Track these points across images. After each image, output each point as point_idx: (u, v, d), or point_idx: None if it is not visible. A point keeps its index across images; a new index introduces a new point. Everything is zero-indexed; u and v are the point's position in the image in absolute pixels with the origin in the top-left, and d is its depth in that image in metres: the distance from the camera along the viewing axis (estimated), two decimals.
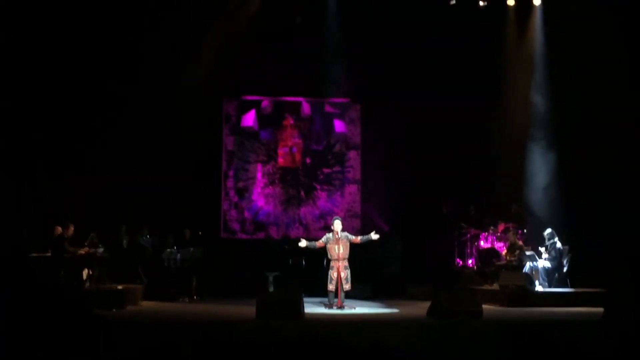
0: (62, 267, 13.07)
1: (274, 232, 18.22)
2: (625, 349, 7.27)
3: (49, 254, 13.30)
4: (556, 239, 14.60)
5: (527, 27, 17.43)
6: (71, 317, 7.73)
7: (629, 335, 8.30)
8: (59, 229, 13.57)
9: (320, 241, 13.32)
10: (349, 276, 13.03)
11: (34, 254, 13.38)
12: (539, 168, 16.89)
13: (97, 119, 16.97)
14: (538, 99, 17.18)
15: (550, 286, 14.39)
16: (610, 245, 15.15)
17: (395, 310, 13.07)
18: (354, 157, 18.66)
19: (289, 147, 18.46)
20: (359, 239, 13.34)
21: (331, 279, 13.02)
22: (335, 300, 12.97)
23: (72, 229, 13.64)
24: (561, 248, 14.58)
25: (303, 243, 13.40)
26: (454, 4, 17.03)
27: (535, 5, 17.25)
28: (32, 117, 16.11)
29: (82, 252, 13.41)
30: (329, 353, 6.39)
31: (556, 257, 14.53)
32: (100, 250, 13.89)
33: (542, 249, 14.65)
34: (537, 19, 17.24)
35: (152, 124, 16.63)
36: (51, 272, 12.97)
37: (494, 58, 17.20)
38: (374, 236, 13.24)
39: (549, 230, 14.76)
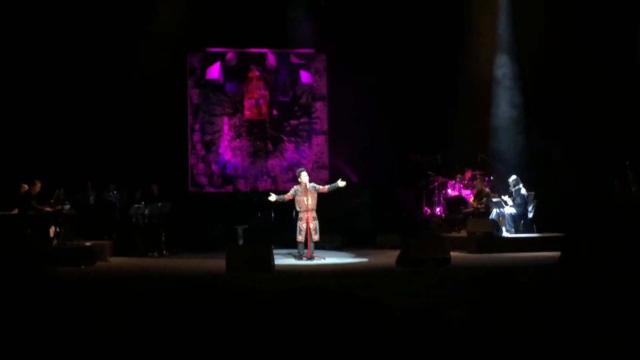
0: (28, 225, 12.94)
1: (242, 185, 18.20)
2: (578, 292, 7.43)
3: (15, 212, 13.14)
4: (521, 185, 14.76)
5: None
6: (19, 277, 7.66)
7: (583, 279, 8.48)
8: (25, 187, 13.39)
9: (289, 194, 13.34)
10: (317, 227, 13.10)
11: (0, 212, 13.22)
12: (505, 115, 16.99)
13: (63, 73, 16.72)
14: (504, 49, 17.18)
15: (516, 232, 14.60)
16: (574, 190, 15.38)
17: (364, 260, 13.18)
18: (320, 108, 18.61)
19: (255, 99, 18.34)
20: (326, 188, 13.38)
21: (300, 230, 13.08)
22: (305, 251, 13.06)
23: (38, 186, 13.47)
24: (526, 194, 14.75)
25: (272, 197, 13.40)
26: None
27: None
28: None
29: (48, 209, 13.27)
30: (301, 304, 6.42)
31: (522, 204, 14.71)
32: (67, 207, 13.76)
33: (507, 197, 14.80)
34: None
35: (118, 78, 16.43)
36: (17, 229, 12.83)
37: (460, 6, 17.12)
38: (341, 183, 13.27)
39: (513, 177, 14.91)
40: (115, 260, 13.69)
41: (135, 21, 16.86)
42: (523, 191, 14.72)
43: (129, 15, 16.78)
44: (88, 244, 13.32)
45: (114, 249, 14.33)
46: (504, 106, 16.96)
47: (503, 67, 17.10)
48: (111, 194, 15.80)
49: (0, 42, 15.78)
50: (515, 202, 14.70)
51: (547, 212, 14.97)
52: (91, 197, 15.57)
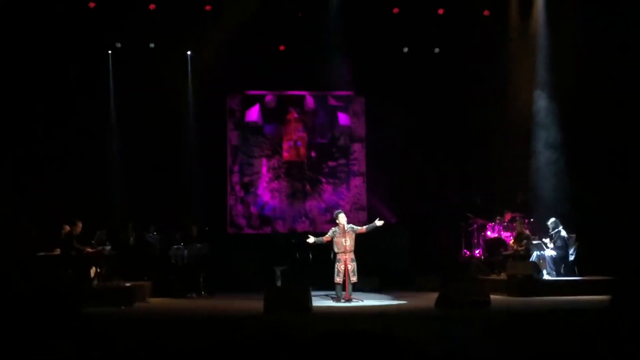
0: (70, 266, 13.10)
1: (280, 227, 18.24)
2: (631, 337, 7.26)
3: (57, 253, 13.33)
4: (560, 227, 14.56)
5: (531, 19, 17.34)
6: (57, 315, 7.75)
7: (636, 324, 8.28)
8: (67, 227, 13.60)
9: (327, 236, 13.31)
10: (355, 268, 13.03)
11: (42, 253, 13.41)
12: (545, 156, 16.82)
13: (104, 116, 17.11)
14: (542, 88, 17.10)
15: (558, 275, 14.37)
16: (617, 233, 15.12)
17: (403, 302, 13.07)
18: (358, 150, 18.65)
19: (294, 140, 18.45)
20: (364, 228, 13.34)
21: (338, 271, 13.02)
22: (343, 293, 12.98)
23: (80, 226, 13.68)
24: (566, 236, 14.54)
25: (311, 239, 13.40)
26: None
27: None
28: (36, 114, 16.14)
29: (89, 250, 13.45)
30: (339, 346, 6.39)
31: (562, 246, 14.49)
32: (108, 247, 13.94)
33: (547, 240, 14.60)
34: (539, 9, 17.14)
35: (158, 120, 16.72)
36: (59, 270, 12.99)
37: (497, 48, 17.14)
38: (378, 223, 13.21)
39: (552, 220, 14.71)
40: (154, 301, 13.76)
41: (178, 62, 17.26)
42: (563, 233, 14.52)
43: (173, 57, 17.19)
44: (128, 284, 13.44)
45: (153, 290, 14.42)
46: (544, 147, 16.80)
47: (542, 108, 16.98)
48: (151, 235, 15.95)
49: (46, 85, 16.14)
50: (556, 244, 14.49)
51: (589, 255, 14.72)
52: (131, 238, 15.74)
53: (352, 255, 13.06)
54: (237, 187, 18.30)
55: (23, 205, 15.21)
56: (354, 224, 13.62)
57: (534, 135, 16.99)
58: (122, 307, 12.23)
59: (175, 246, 15.41)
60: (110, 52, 17.41)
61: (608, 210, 15.54)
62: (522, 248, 14.71)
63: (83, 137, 16.47)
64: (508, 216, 16.28)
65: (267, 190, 18.34)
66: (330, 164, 18.56)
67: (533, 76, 17.04)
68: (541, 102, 16.94)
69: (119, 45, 17.24)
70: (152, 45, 17.23)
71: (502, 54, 17.11)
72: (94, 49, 16.75)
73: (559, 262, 14.50)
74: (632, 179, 15.66)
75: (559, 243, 14.47)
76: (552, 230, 14.61)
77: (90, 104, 16.67)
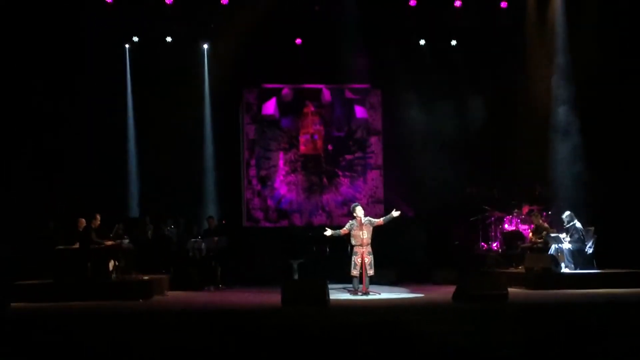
0: (89, 259, 13.19)
1: (297, 220, 18.27)
2: None
3: (77, 246, 13.43)
4: (575, 220, 14.46)
5: (548, 10, 17.24)
6: None
7: None
8: (83, 221, 13.70)
9: (345, 228, 13.29)
10: (372, 262, 13.00)
11: (61, 247, 13.52)
12: (563, 149, 16.72)
13: (121, 110, 17.23)
14: (560, 80, 17.00)
15: (576, 268, 14.29)
16: (637, 226, 15.04)
17: (420, 295, 13.06)
18: (375, 143, 18.64)
19: (310, 134, 18.46)
20: (381, 220, 13.30)
21: (355, 264, 13.01)
22: (360, 286, 12.97)
23: (99, 220, 13.76)
24: (582, 229, 14.43)
25: (328, 232, 13.38)
26: None
27: None
28: (55, 108, 16.24)
29: (108, 243, 13.53)
30: (354, 340, 6.41)
31: (579, 239, 14.39)
32: (126, 241, 14.02)
33: (563, 234, 14.50)
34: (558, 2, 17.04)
35: (175, 114, 16.79)
36: (78, 263, 13.09)
37: (514, 40, 17.07)
38: (395, 213, 13.14)
39: (567, 213, 14.60)
40: (172, 294, 13.84)
41: (195, 57, 17.34)
42: (578, 225, 14.39)
43: (189, 52, 17.27)
44: (146, 277, 13.51)
45: (171, 283, 14.49)
46: (562, 140, 16.71)
47: (560, 100, 16.88)
48: (169, 228, 16.03)
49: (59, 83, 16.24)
50: (572, 237, 14.40)
51: (608, 248, 14.63)
52: (149, 232, 15.83)
53: (370, 249, 13.04)
54: (254, 181, 18.34)
55: (42, 199, 15.33)
56: (371, 217, 13.59)
57: (552, 128, 16.90)
58: (141, 300, 12.29)
59: (193, 239, 15.48)
60: (127, 46, 17.50)
61: (627, 202, 15.45)
62: (541, 241, 14.64)
63: (101, 131, 16.56)
64: (525, 209, 16.20)
65: (284, 184, 18.36)
66: (347, 157, 18.56)
67: (551, 69, 16.94)
68: (560, 93, 16.84)
69: (136, 39, 17.34)
70: (169, 39, 17.32)
71: (519, 45, 17.03)
72: (111, 43, 16.84)
73: (577, 255, 14.42)
74: None
75: (575, 236, 14.38)
76: (568, 224, 14.52)
77: (107, 98, 16.78)
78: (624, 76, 15.66)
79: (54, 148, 16.20)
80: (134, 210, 17.19)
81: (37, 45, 15.74)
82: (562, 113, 16.81)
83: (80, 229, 13.64)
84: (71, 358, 6.80)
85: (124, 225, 14.45)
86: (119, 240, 13.77)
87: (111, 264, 13.30)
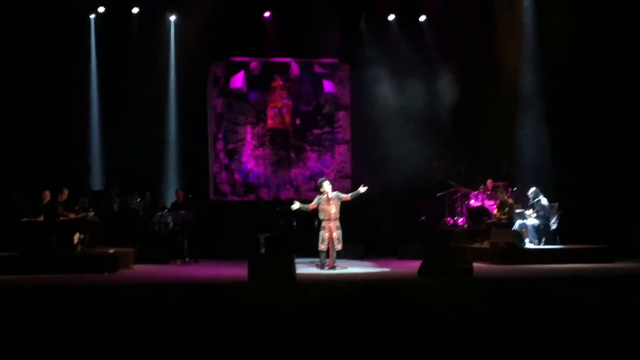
0: (53, 232, 13.06)
1: (264, 194, 18.25)
2: None
3: (41, 219, 13.28)
4: (541, 196, 14.64)
5: None
6: None
7: None
8: (48, 194, 13.54)
9: (313, 203, 13.30)
10: (340, 236, 13.05)
11: (25, 219, 13.36)
12: (529, 126, 16.90)
13: (85, 82, 17.00)
14: (529, 56, 17.14)
15: (540, 243, 14.50)
16: (601, 202, 15.29)
17: (386, 270, 13.15)
18: (343, 118, 18.64)
19: (278, 108, 18.39)
20: (349, 196, 13.34)
21: (323, 239, 13.05)
22: (327, 260, 13.03)
23: (66, 194, 13.61)
24: (547, 205, 14.62)
25: (296, 205, 13.38)
26: None
27: None
28: (18, 80, 15.98)
29: (73, 216, 13.40)
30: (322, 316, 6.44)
31: (543, 215, 14.59)
32: (91, 214, 13.89)
33: (528, 211, 14.67)
34: None
35: (141, 87, 16.63)
36: (43, 236, 12.96)
37: (485, 17, 17.15)
38: (362, 189, 13.19)
39: (532, 189, 14.78)
40: (139, 268, 13.77)
41: (162, 29, 17.15)
42: (544, 202, 14.59)
43: (157, 23, 17.07)
44: (111, 251, 13.42)
45: (137, 257, 14.41)
46: (529, 117, 16.87)
47: (528, 80, 17.03)
48: (135, 201, 15.92)
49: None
50: (538, 213, 14.59)
51: (571, 225, 14.86)
52: (115, 205, 15.70)
53: (338, 223, 13.09)
54: (222, 155, 18.25)
55: (5, 171, 15.13)
56: (339, 192, 13.62)
57: (519, 105, 17.06)
58: (106, 274, 12.22)
59: (159, 213, 15.39)
60: (92, 16, 17.24)
61: (591, 179, 15.69)
62: (505, 216, 14.80)
63: (65, 103, 16.34)
64: (491, 185, 16.35)
65: (252, 158, 18.30)
66: (315, 131, 18.54)
67: (521, 47, 17.07)
68: (528, 74, 16.99)
69: (102, 9, 17.08)
70: (135, 10, 17.08)
71: (489, 22, 17.12)
72: (75, 13, 16.57)
73: (541, 230, 14.62)
74: (614, 150, 15.81)
75: (540, 212, 14.57)
76: (533, 200, 14.70)
77: (72, 70, 16.54)
78: (593, 53, 15.83)
79: (17, 119, 15.95)
80: (99, 183, 17.04)
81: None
82: (529, 89, 16.98)
83: (45, 202, 13.49)
84: (33, 331, 6.75)
85: (89, 198, 14.30)
86: (84, 213, 13.63)
87: (76, 237, 13.17)
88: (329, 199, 13.11)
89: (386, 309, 7.12)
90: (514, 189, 16.18)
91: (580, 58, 15.90)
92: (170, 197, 16.50)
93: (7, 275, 11.77)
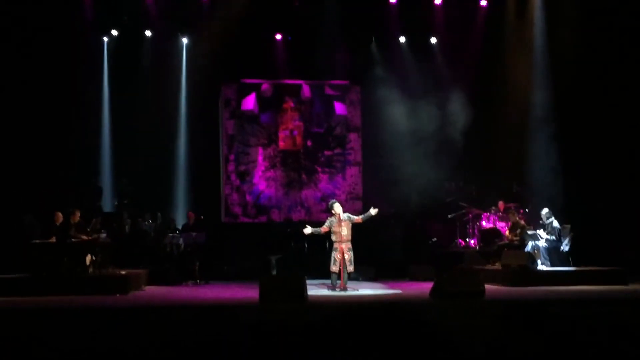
0: (65, 253, 13.09)
1: (275, 216, 18.25)
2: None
3: (53, 240, 13.32)
4: (553, 218, 14.58)
5: (527, 6, 17.38)
6: None
7: None
8: (60, 215, 13.59)
9: (324, 226, 13.22)
10: (352, 258, 13.00)
11: (37, 241, 13.40)
12: (540, 147, 16.87)
13: (98, 104, 17.13)
14: (539, 79, 17.14)
15: (552, 265, 14.41)
16: (614, 224, 15.20)
17: (397, 292, 13.10)
18: (354, 139, 18.67)
19: (290, 130, 18.45)
20: (360, 218, 13.29)
21: (335, 260, 12.99)
22: (338, 282, 12.98)
23: (78, 215, 13.65)
24: (559, 227, 14.55)
25: (308, 230, 13.30)
26: None
27: None
28: (32, 103, 16.07)
29: (85, 237, 13.43)
30: (334, 335, 6.40)
31: (555, 236, 14.52)
32: (103, 235, 13.93)
33: (541, 230, 14.61)
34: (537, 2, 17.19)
35: (152, 109, 16.73)
36: (55, 257, 12.99)
37: (495, 39, 17.19)
38: (373, 211, 13.15)
39: (545, 210, 14.72)
40: (150, 289, 13.77)
41: (174, 51, 17.28)
42: (555, 224, 14.53)
43: (169, 46, 17.22)
44: (123, 272, 13.43)
45: (148, 278, 14.42)
46: (539, 138, 16.84)
47: (540, 97, 17.02)
48: (146, 223, 15.95)
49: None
50: (549, 235, 14.53)
51: (584, 246, 14.77)
52: (127, 227, 15.74)
53: (350, 245, 13.03)
54: (233, 176, 18.29)
55: (18, 194, 15.20)
56: (350, 213, 13.59)
57: (530, 126, 17.04)
58: (118, 295, 12.22)
59: (170, 234, 15.42)
60: (105, 39, 17.39)
61: (603, 201, 15.61)
62: (517, 238, 14.74)
63: (77, 124, 16.43)
64: (502, 206, 16.30)
65: (263, 179, 18.34)
66: (326, 153, 18.57)
67: (531, 68, 17.09)
68: (539, 93, 16.98)
69: (115, 32, 17.23)
70: (148, 33, 17.23)
71: (499, 44, 17.16)
72: (89, 35, 16.72)
73: (553, 252, 14.54)
74: (627, 171, 15.74)
75: (552, 234, 14.50)
76: (546, 220, 14.64)
77: (84, 92, 16.64)
78: (603, 74, 15.82)
79: (29, 141, 16.03)
80: (110, 205, 17.09)
81: (13, 36, 15.61)
82: (540, 109, 16.97)
83: (57, 223, 13.54)
84: (45, 353, 6.75)
85: (101, 220, 14.35)
86: (96, 235, 13.66)
87: (88, 258, 13.20)
88: (341, 221, 13.07)
89: (398, 330, 7.08)
90: (526, 210, 16.13)
91: (591, 76, 15.90)
92: (182, 219, 16.52)
93: (18, 296, 11.79)
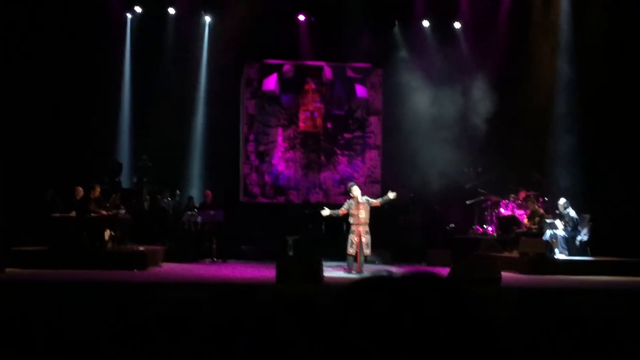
0: (84, 228, 13.22)
1: (294, 197, 18.26)
2: None
3: (73, 214, 13.44)
4: (569, 208, 14.49)
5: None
6: None
7: None
8: (80, 190, 13.71)
9: (343, 209, 13.21)
10: (369, 241, 12.99)
11: (57, 215, 13.53)
12: (561, 136, 16.73)
13: (119, 81, 17.18)
14: (563, 67, 16.96)
15: (570, 254, 14.34)
16: (634, 215, 15.07)
17: None
18: (375, 123, 18.61)
19: (310, 111, 18.42)
20: (378, 201, 13.26)
21: (352, 243, 12.98)
22: (355, 264, 12.98)
23: (98, 190, 13.77)
24: (576, 217, 14.46)
25: (326, 212, 13.30)
26: None
27: None
28: (55, 79, 16.14)
29: (104, 213, 13.54)
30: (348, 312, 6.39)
31: (573, 226, 14.44)
32: (122, 211, 14.03)
33: (557, 221, 14.52)
34: None
35: (174, 86, 16.77)
36: (74, 232, 13.12)
37: (520, 24, 17.03)
38: (391, 195, 13.10)
39: (563, 200, 14.63)
40: (167, 266, 13.87)
41: (197, 30, 17.29)
42: (572, 214, 14.44)
43: (192, 25, 17.21)
44: (141, 248, 13.53)
45: (166, 255, 14.52)
46: (563, 128, 16.70)
47: (564, 87, 16.87)
48: (165, 200, 16.04)
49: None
50: (567, 225, 14.45)
51: (603, 236, 14.67)
52: (145, 203, 15.84)
53: (367, 228, 13.01)
54: (252, 156, 18.31)
55: (41, 170, 15.31)
56: (368, 197, 13.57)
57: (554, 114, 16.89)
58: (135, 271, 12.33)
59: (189, 212, 15.50)
60: (129, 15, 17.42)
61: (623, 191, 15.47)
62: (535, 226, 14.67)
63: (98, 101, 16.51)
64: (522, 194, 16.22)
65: (282, 160, 18.35)
66: (346, 135, 18.53)
67: (557, 55, 16.91)
68: (564, 81, 16.82)
69: (138, 9, 17.25)
70: (171, 10, 17.24)
71: (523, 29, 17.01)
72: (113, 11, 16.76)
73: (571, 241, 14.47)
74: None
75: (569, 224, 14.42)
76: (563, 210, 14.56)
77: (106, 68, 16.70)
78: (630, 61, 15.63)
79: (51, 118, 16.12)
80: (129, 182, 17.19)
81: (34, 15, 15.66)
82: (563, 101, 16.81)
83: (78, 198, 13.66)
84: (60, 324, 6.81)
85: (120, 196, 14.45)
86: (115, 210, 13.77)
87: (107, 233, 13.33)
88: (359, 204, 13.05)
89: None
90: (545, 199, 16.03)
91: (617, 67, 15.69)
92: (200, 197, 16.59)
93: (37, 269, 11.93)
